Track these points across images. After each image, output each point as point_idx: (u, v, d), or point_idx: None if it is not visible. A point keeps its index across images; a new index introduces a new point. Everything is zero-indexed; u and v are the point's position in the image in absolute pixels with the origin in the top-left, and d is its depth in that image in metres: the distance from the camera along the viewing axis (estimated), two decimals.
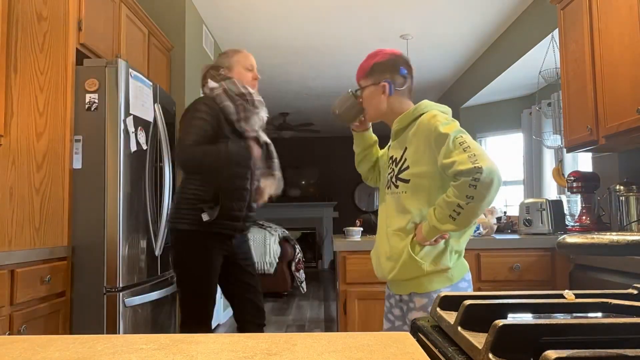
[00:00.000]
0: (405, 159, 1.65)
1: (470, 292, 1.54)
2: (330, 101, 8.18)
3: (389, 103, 1.72)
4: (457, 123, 1.60)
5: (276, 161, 2.47)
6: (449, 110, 1.73)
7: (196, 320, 2.28)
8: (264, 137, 2.41)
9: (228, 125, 2.28)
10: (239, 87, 2.32)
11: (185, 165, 2.26)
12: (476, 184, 1.44)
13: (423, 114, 1.65)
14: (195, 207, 2.26)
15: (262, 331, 2.42)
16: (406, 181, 1.63)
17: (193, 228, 2.26)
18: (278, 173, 2.47)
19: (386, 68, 1.71)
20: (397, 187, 1.66)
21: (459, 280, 1.61)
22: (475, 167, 1.44)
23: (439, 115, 1.61)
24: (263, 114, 2.40)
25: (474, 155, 1.47)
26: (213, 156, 2.21)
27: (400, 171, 1.66)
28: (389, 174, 1.73)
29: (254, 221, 2.49)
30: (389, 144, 1.84)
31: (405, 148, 1.66)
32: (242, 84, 2.35)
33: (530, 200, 3.00)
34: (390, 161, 1.74)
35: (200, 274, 2.28)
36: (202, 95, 2.41)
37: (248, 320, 2.42)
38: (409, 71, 1.74)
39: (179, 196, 2.34)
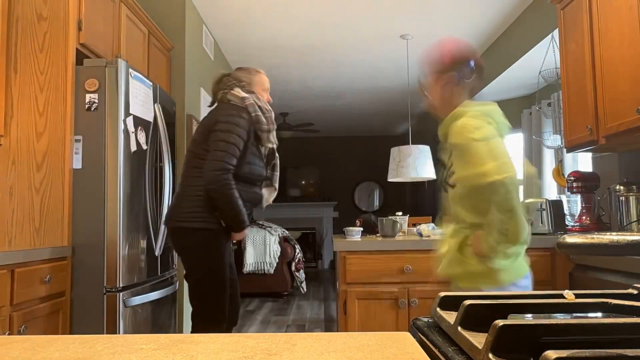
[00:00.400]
0: (452, 164, 1.66)
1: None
2: (331, 101, 8.18)
3: (451, 95, 1.70)
4: (484, 129, 1.56)
5: (277, 174, 2.59)
6: (488, 109, 1.67)
7: (215, 319, 2.31)
8: (277, 157, 2.56)
9: (253, 136, 2.37)
10: (263, 103, 2.44)
11: (216, 192, 2.25)
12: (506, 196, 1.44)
13: (457, 119, 1.63)
14: (208, 205, 2.28)
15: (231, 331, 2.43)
16: (453, 186, 1.66)
17: (211, 226, 2.29)
18: (276, 185, 2.60)
19: (456, 60, 1.68)
20: (446, 191, 1.71)
21: (509, 284, 1.57)
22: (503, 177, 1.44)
23: (467, 124, 1.58)
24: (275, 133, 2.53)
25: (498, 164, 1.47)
26: (235, 210, 2.27)
27: (448, 176, 1.68)
28: (441, 176, 1.75)
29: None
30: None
31: (450, 152, 1.68)
32: (264, 101, 2.48)
33: (530, 200, 3.00)
34: (441, 164, 1.76)
35: (223, 271, 2.32)
36: (226, 100, 2.43)
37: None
38: (475, 66, 1.70)
39: (185, 196, 2.34)
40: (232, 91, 2.40)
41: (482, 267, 1.58)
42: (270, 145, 2.45)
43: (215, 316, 2.31)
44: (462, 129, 1.57)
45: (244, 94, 2.38)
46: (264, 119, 2.37)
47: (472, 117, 1.62)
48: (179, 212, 2.34)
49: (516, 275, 1.61)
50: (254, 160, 2.38)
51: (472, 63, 1.69)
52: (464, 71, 1.68)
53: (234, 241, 2.45)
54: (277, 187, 2.60)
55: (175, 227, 2.34)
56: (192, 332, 2.46)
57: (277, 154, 2.57)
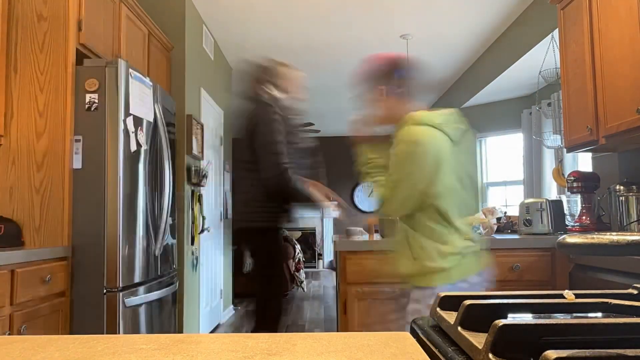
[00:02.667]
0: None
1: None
2: (330, 101, 8.17)
3: (389, 108, 1.74)
4: (414, 142, 1.61)
5: (322, 169, 2.75)
6: (438, 120, 1.68)
7: (277, 316, 2.47)
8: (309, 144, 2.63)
9: (292, 137, 2.47)
10: (296, 104, 2.56)
11: (280, 187, 2.37)
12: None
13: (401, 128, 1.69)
14: (269, 205, 2.42)
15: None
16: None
17: (274, 225, 2.47)
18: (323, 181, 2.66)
19: (381, 73, 1.72)
20: None
21: (458, 280, 1.63)
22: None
23: (406, 134, 1.64)
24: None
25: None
26: (299, 197, 2.44)
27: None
28: None
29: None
30: None
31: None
32: (297, 102, 2.57)
33: (530, 200, 3.00)
34: None
35: (277, 277, 2.51)
36: (261, 98, 2.53)
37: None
38: (405, 73, 1.72)
39: (248, 196, 2.46)
40: (268, 90, 2.51)
41: (434, 265, 1.63)
42: (303, 145, 2.53)
43: (276, 316, 2.49)
44: (401, 138, 1.64)
45: (277, 94, 2.50)
46: (294, 122, 2.50)
47: (413, 125, 1.66)
48: (244, 212, 2.48)
49: (466, 272, 1.64)
50: (292, 159, 2.45)
51: (397, 73, 1.70)
52: (392, 83, 1.70)
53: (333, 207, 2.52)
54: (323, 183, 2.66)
55: (243, 226, 2.49)
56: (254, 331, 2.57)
57: (318, 157, 2.67)
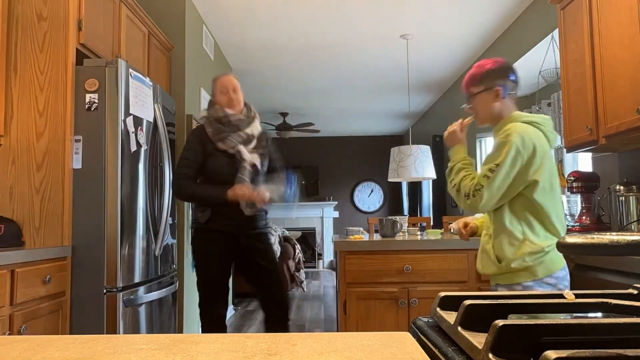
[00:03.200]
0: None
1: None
2: (331, 101, 8.16)
3: (501, 107, 1.86)
4: (519, 144, 1.72)
5: (259, 177, 2.70)
6: (538, 119, 1.81)
7: (201, 312, 2.65)
8: (246, 154, 2.63)
9: (212, 145, 2.60)
10: (218, 112, 2.63)
11: (176, 195, 2.68)
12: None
13: (506, 128, 1.79)
14: (197, 209, 2.66)
15: (284, 324, 2.67)
16: None
17: (195, 227, 2.66)
18: (273, 184, 2.70)
19: (498, 74, 1.84)
20: None
21: (545, 276, 1.74)
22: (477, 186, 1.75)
23: (513, 133, 1.74)
24: (248, 130, 2.65)
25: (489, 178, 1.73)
26: (197, 198, 2.63)
27: None
28: None
29: (264, 224, 2.75)
30: None
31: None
32: (222, 108, 2.63)
33: None
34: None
35: (198, 267, 2.65)
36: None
37: (269, 313, 2.68)
38: (517, 78, 1.88)
39: None
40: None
41: (516, 265, 1.74)
42: (224, 148, 2.59)
43: (200, 310, 2.66)
44: (509, 132, 1.75)
45: (203, 113, 2.70)
46: (210, 132, 2.60)
47: (519, 122, 1.79)
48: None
49: (552, 268, 1.75)
50: (215, 164, 2.59)
51: (512, 77, 1.86)
52: (507, 84, 1.84)
53: (252, 204, 2.59)
54: (277, 185, 2.69)
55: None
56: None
57: (244, 158, 2.61)
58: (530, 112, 5.10)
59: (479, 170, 1.82)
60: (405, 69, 5.97)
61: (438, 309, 0.76)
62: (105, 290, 2.37)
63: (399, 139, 10.56)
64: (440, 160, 7.14)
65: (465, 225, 2.09)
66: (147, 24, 3.35)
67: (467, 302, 0.66)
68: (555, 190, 1.79)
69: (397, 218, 3.19)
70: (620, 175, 2.88)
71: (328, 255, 10.21)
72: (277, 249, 6.47)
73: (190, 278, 3.91)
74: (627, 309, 0.71)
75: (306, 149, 10.48)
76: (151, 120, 2.80)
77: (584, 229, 2.85)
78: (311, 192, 10.38)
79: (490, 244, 1.83)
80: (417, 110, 8.42)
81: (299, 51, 5.34)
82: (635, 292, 0.80)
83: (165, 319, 2.97)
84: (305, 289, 6.89)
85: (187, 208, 3.87)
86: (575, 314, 0.71)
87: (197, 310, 4.16)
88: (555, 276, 1.75)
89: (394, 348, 0.60)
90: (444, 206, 7.16)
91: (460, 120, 1.97)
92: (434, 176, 4.40)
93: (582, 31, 2.60)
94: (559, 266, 1.77)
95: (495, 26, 4.70)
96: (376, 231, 3.36)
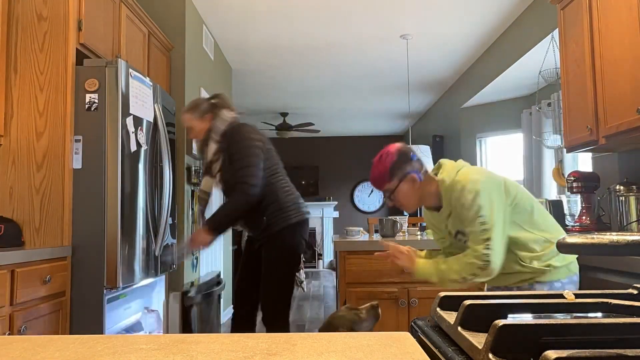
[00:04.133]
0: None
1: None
2: (331, 101, 8.17)
3: (422, 188, 1.83)
4: (482, 186, 1.70)
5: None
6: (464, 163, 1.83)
7: (286, 312, 2.71)
8: (202, 186, 2.74)
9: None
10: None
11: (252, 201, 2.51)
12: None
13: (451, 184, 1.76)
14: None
15: (251, 322, 2.74)
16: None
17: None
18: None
19: (403, 162, 1.81)
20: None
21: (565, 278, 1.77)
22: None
23: (467, 183, 1.72)
24: (208, 157, 2.61)
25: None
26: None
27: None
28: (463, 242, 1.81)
29: (259, 240, 2.65)
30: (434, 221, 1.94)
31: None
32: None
33: None
34: (460, 235, 1.81)
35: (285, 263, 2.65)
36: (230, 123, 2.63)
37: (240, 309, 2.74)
38: (417, 156, 1.86)
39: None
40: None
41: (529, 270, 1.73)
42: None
43: None
44: (462, 186, 1.72)
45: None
46: None
47: (455, 177, 1.75)
48: None
49: (559, 275, 1.76)
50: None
51: (413, 156, 1.83)
52: (415, 166, 1.81)
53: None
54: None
55: None
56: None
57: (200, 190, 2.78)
58: (531, 113, 5.09)
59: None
60: (405, 69, 5.97)
61: (438, 309, 0.76)
62: (105, 290, 2.37)
63: (399, 139, 10.56)
64: None
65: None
66: (147, 24, 3.35)
67: (467, 302, 0.66)
68: (533, 209, 1.79)
69: (397, 218, 3.20)
70: (620, 175, 2.88)
71: (328, 255, 10.21)
72: None
73: (191, 278, 3.91)
74: (627, 309, 0.71)
75: (306, 149, 10.48)
76: (151, 120, 2.80)
77: (584, 229, 2.85)
78: (311, 192, 10.38)
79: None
80: (417, 110, 8.42)
81: (299, 51, 5.33)
82: (635, 292, 0.80)
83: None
84: (305, 289, 6.88)
85: (188, 208, 3.87)
86: (575, 314, 0.71)
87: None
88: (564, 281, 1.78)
89: (394, 348, 0.60)
90: None
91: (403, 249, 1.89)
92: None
93: (582, 31, 2.60)
94: (560, 276, 1.77)
95: (495, 26, 4.70)
96: (376, 231, 3.35)
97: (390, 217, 3.19)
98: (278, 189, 2.56)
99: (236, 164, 2.46)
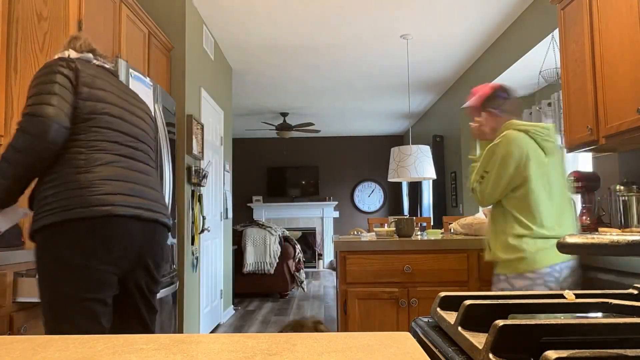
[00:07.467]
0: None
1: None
2: (331, 101, 8.18)
3: (496, 126, 2.17)
4: (504, 153, 2.01)
5: None
6: (533, 129, 2.04)
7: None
8: None
9: None
10: None
11: None
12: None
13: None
14: None
15: None
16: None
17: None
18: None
19: (493, 98, 2.17)
20: None
21: (543, 267, 1.93)
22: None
23: (500, 143, 2.04)
24: None
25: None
26: None
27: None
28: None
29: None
30: None
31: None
32: None
33: None
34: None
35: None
36: None
37: None
38: (507, 94, 2.18)
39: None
40: None
41: (513, 256, 1.96)
42: None
43: None
44: (499, 140, 2.04)
45: None
46: None
47: (509, 130, 2.05)
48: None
49: (550, 261, 1.93)
50: None
51: (500, 94, 2.16)
52: (498, 103, 2.16)
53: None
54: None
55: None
56: None
57: None
58: (531, 112, 5.10)
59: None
60: (405, 69, 5.97)
61: (438, 309, 0.76)
62: None
63: (399, 139, 10.56)
64: (440, 160, 7.14)
65: None
66: (147, 24, 3.35)
67: (467, 302, 0.66)
68: (551, 194, 1.98)
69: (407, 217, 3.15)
70: (620, 175, 2.88)
71: (328, 255, 10.21)
72: (277, 249, 6.47)
73: (191, 278, 3.91)
74: (627, 309, 0.71)
75: (306, 149, 10.48)
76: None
77: (584, 229, 2.85)
78: (311, 192, 10.39)
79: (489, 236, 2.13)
80: (417, 110, 8.42)
81: (299, 51, 5.34)
82: (635, 292, 0.80)
83: (166, 319, 2.97)
84: (305, 289, 6.89)
85: (188, 208, 3.88)
86: (575, 314, 0.71)
87: (198, 311, 4.17)
88: (539, 272, 1.93)
89: (394, 348, 0.60)
90: (444, 206, 7.16)
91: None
92: (434, 176, 4.40)
93: (583, 31, 2.60)
94: (544, 264, 1.93)
95: (495, 26, 4.70)
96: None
97: (405, 216, 3.13)
98: (72, 156, 1.57)
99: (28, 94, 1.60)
